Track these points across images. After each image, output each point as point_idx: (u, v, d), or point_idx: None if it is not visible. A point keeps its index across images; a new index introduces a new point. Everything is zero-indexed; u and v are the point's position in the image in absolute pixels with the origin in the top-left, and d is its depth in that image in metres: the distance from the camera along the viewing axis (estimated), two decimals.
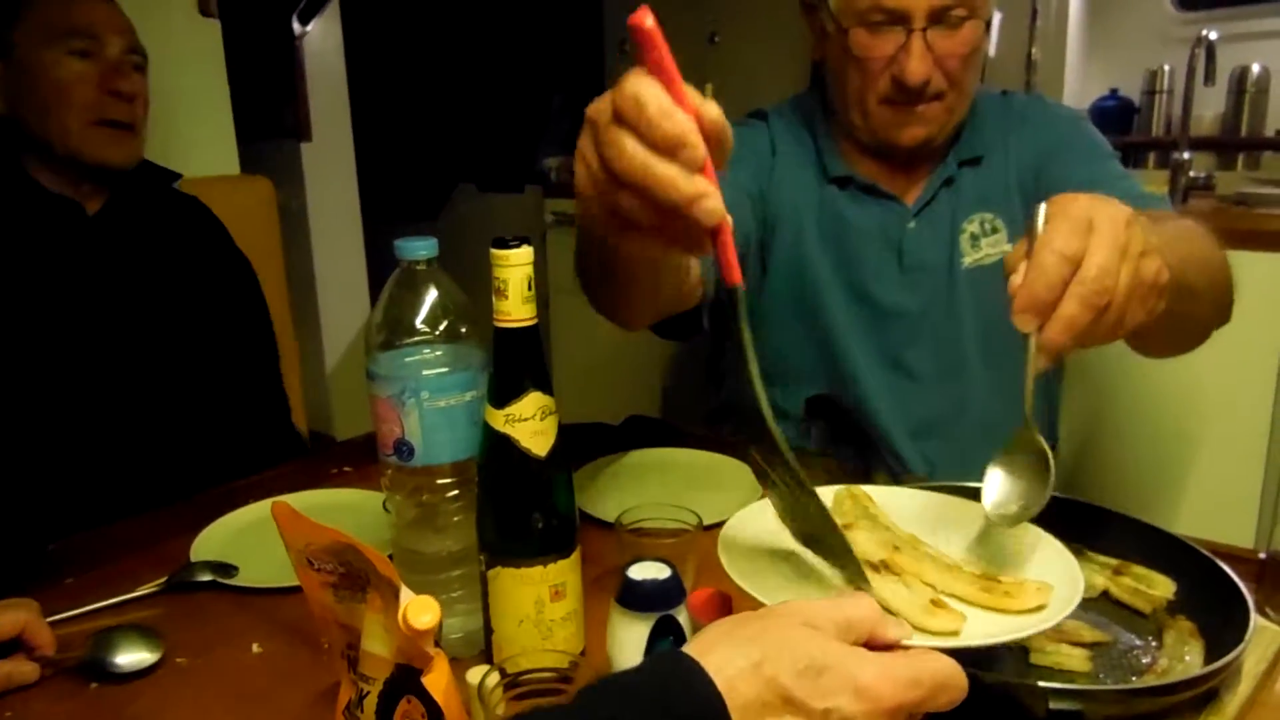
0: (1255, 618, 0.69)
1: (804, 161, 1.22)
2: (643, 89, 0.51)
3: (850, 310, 1.21)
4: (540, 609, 0.68)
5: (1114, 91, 2.58)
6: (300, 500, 1.05)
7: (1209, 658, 0.68)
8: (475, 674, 0.60)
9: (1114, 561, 0.81)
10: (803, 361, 1.22)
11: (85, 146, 1.22)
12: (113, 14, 1.26)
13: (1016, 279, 0.63)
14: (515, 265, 0.64)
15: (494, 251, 0.64)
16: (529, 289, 0.64)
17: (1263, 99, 2.37)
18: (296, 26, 2.55)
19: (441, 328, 0.72)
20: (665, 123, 0.50)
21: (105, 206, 1.28)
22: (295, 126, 2.56)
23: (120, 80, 1.23)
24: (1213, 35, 2.09)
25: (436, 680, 0.47)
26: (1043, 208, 0.65)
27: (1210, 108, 2.43)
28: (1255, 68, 2.36)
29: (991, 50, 2.45)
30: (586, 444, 1.18)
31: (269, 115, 2.53)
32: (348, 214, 2.66)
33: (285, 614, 0.83)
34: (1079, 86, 2.60)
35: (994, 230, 1.15)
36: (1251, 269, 1.21)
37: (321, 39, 2.60)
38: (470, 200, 3.57)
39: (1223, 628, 0.69)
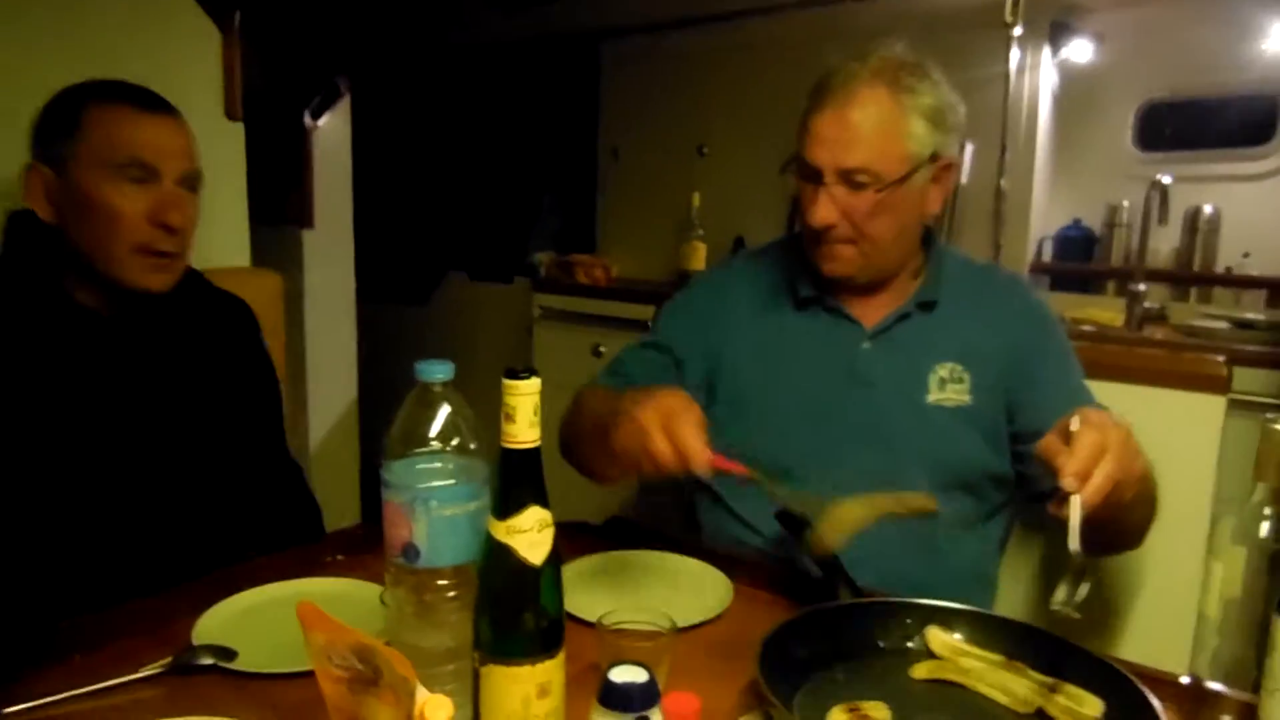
0: None
1: (774, 291, 1.41)
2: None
3: (804, 423, 1.34)
4: (527, 705, 0.75)
5: (1077, 221, 2.74)
6: (297, 588, 1.11)
7: None
8: None
9: (1050, 680, 0.88)
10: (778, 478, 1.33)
11: (127, 273, 1.22)
12: (176, 138, 1.25)
13: (1063, 458, 0.90)
14: (524, 394, 0.72)
15: (506, 381, 0.72)
16: (535, 415, 0.73)
17: (1214, 237, 2.54)
18: (308, 121, 2.67)
19: (453, 443, 0.80)
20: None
21: (123, 315, 1.28)
22: (299, 214, 2.66)
23: (172, 213, 1.22)
24: (1166, 179, 2.25)
25: None
26: (1076, 418, 0.94)
27: (1166, 242, 2.59)
28: (1207, 208, 2.53)
29: (964, 178, 2.61)
30: (570, 542, 1.25)
31: (275, 203, 2.64)
32: (343, 299, 2.75)
33: (282, 698, 0.88)
34: (1044, 215, 2.76)
35: (960, 380, 1.30)
36: (1189, 408, 1.33)
37: (330, 134, 2.73)
38: (460, 287, 3.69)
39: None
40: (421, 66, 3.85)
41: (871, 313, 1.35)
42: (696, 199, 3.07)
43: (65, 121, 1.21)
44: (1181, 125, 2.67)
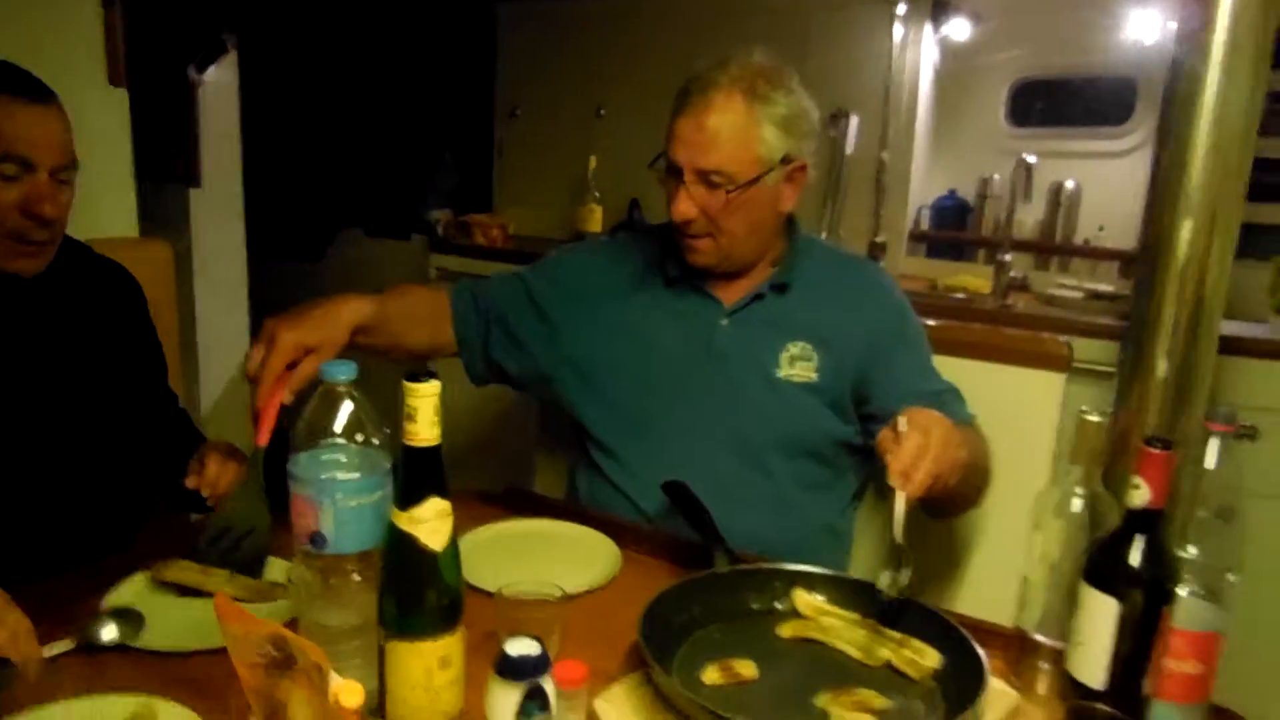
0: (992, 681, 0.89)
1: (647, 270, 1.52)
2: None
3: (664, 392, 1.45)
4: (429, 676, 0.82)
5: (952, 192, 2.90)
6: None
7: (951, 714, 0.87)
8: None
9: (898, 636, 1.00)
10: (636, 447, 1.47)
11: None
12: (50, 128, 1.22)
13: (890, 458, 1.03)
14: (425, 396, 0.78)
15: (406, 384, 0.78)
16: (435, 415, 0.79)
17: (1075, 211, 2.72)
18: (193, 76, 2.60)
19: (356, 439, 0.85)
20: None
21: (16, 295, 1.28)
22: (186, 173, 2.60)
23: (44, 205, 1.21)
24: (1031, 158, 2.41)
25: None
26: (903, 418, 1.06)
27: (1032, 214, 2.77)
28: (1069, 184, 2.72)
29: (849, 149, 2.73)
30: (470, 511, 1.32)
31: (160, 161, 2.56)
32: (233, 260, 2.70)
33: (195, 674, 0.92)
34: (923, 185, 2.90)
35: (808, 358, 1.42)
36: (1033, 384, 1.47)
37: (217, 88, 2.66)
38: (356, 244, 3.65)
39: (973, 690, 0.88)
40: (313, 18, 3.74)
41: (732, 293, 1.46)
42: (593, 161, 3.11)
43: None
44: (1050, 103, 2.84)
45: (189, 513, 1.34)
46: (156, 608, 1.05)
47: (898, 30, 2.66)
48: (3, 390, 1.26)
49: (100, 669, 0.95)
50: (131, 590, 1.08)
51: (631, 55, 3.11)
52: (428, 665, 0.81)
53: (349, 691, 0.59)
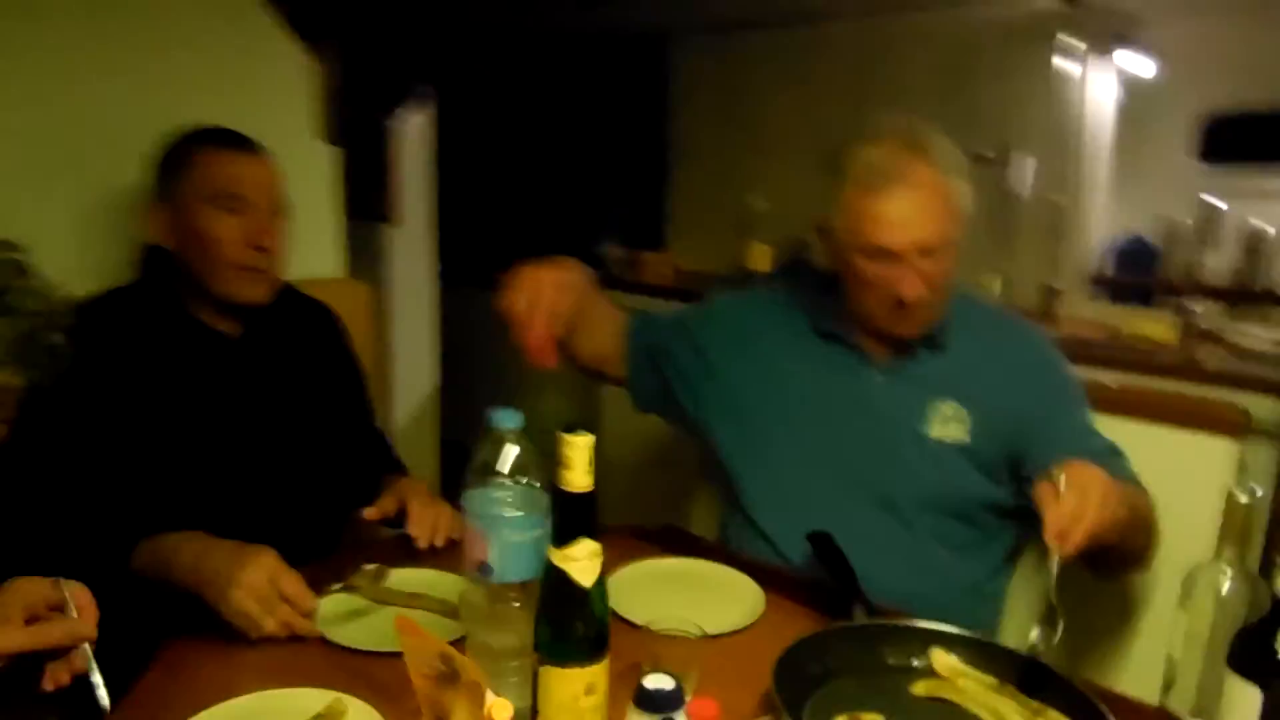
0: None
1: (798, 322, 1.54)
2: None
3: (813, 446, 1.47)
4: (576, 700, 0.90)
5: (1138, 235, 2.77)
6: (396, 576, 1.28)
7: None
8: None
9: (1035, 704, 1.00)
10: (782, 495, 1.49)
11: (231, 288, 1.44)
12: (262, 173, 1.46)
13: (1047, 517, 1.03)
14: (580, 447, 0.86)
15: (564, 436, 0.87)
16: (589, 465, 0.87)
17: (1274, 255, 2.55)
18: (393, 123, 2.84)
19: (521, 480, 0.95)
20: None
21: (245, 332, 1.50)
22: (385, 212, 2.85)
23: (263, 237, 1.44)
24: (1219, 203, 2.29)
25: None
26: (1063, 474, 1.05)
27: (1226, 258, 2.61)
28: (1269, 226, 2.55)
29: (1025, 191, 2.67)
30: (627, 547, 1.40)
31: (361, 201, 2.82)
32: (426, 293, 2.93)
33: (375, 674, 1.04)
34: (1104, 227, 2.80)
35: (960, 419, 1.41)
36: (1200, 449, 1.41)
37: (416, 134, 2.90)
38: None
39: None
40: (499, 67, 4.00)
41: (883, 349, 1.46)
42: (761, 200, 3.17)
43: (175, 165, 1.44)
44: (1245, 139, 2.67)
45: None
46: (350, 611, 1.19)
47: (1074, 67, 2.58)
48: (220, 416, 1.45)
49: (295, 661, 1.09)
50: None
51: (799, 93, 3.15)
52: (575, 691, 0.90)
53: (500, 708, 0.68)
